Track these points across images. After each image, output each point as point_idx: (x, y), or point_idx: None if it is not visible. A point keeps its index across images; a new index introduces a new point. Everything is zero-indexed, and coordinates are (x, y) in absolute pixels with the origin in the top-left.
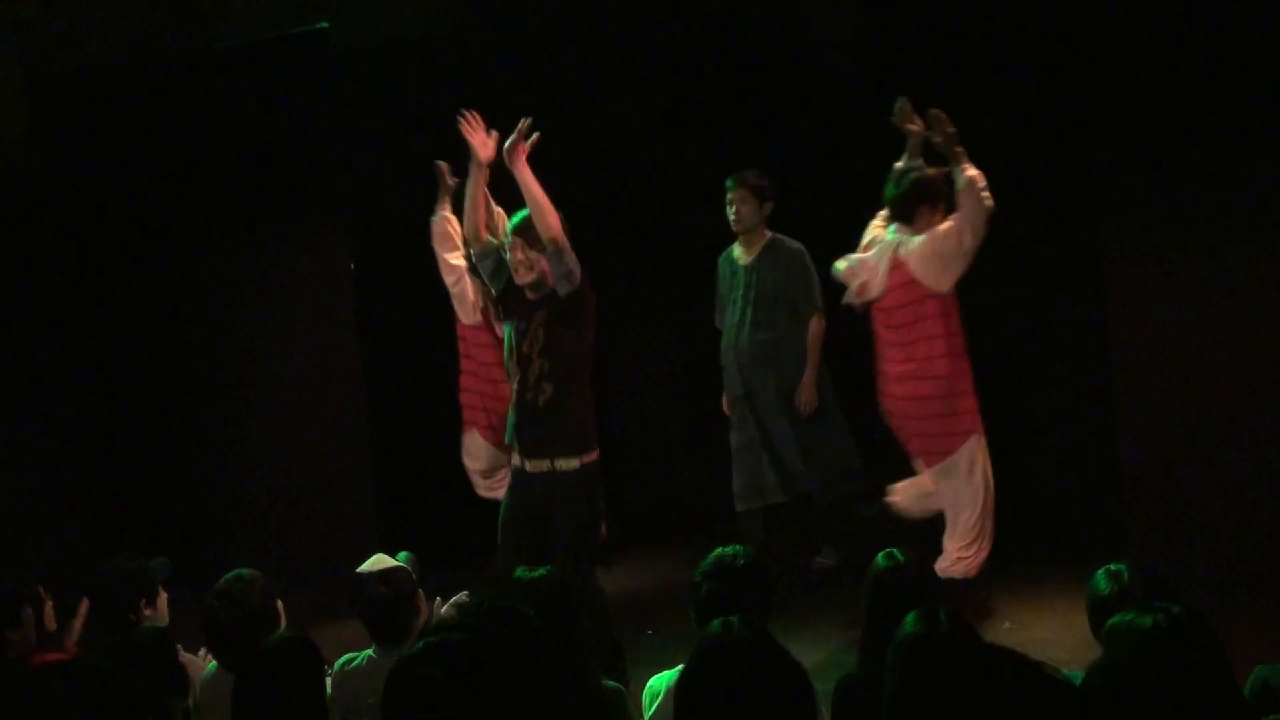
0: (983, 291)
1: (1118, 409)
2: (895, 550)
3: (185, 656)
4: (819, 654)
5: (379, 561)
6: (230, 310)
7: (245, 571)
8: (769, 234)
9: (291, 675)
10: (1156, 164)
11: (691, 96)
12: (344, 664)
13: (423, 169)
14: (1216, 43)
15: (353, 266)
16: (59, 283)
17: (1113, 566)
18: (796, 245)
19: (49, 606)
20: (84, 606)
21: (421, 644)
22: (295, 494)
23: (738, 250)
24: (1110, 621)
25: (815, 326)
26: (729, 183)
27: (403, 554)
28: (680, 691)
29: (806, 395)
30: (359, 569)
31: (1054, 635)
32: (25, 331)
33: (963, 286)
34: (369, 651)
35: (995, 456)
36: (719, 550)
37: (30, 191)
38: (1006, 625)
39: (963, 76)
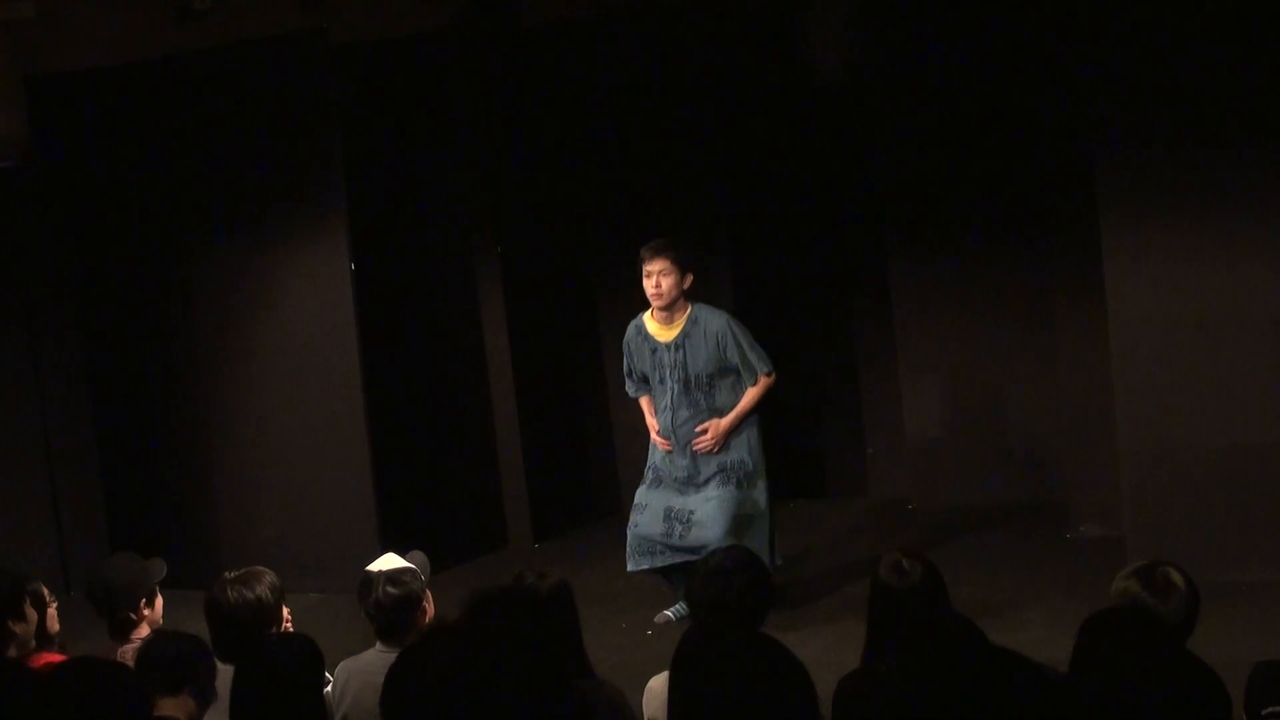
0: (983, 292)
1: (1116, 406)
2: (899, 552)
3: None
4: (820, 653)
5: (389, 560)
6: (230, 310)
7: (256, 567)
8: (689, 306)
9: (291, 672)
10: (1155, 158)
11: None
12: (348, 664)
13: (421, 168)
14: (1215, 39)
15: (353, 267)
16: (58, 282)
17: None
18: (722, 315)
19: (53, 608)
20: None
21: (421, 642)
22: (295, 494)
23: (654, 326)
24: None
25: (764, 382)
26: (646, 253)
27: (415, 553)
28: (672, 691)
29: (715, 431)
30: (368, 567)
31: (1054, 635)
32: (24, 331)
33: (964, 287)
34: (373, 650)
35: (995, 456)
36: (719, 548)
37: (29, 191)
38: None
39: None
